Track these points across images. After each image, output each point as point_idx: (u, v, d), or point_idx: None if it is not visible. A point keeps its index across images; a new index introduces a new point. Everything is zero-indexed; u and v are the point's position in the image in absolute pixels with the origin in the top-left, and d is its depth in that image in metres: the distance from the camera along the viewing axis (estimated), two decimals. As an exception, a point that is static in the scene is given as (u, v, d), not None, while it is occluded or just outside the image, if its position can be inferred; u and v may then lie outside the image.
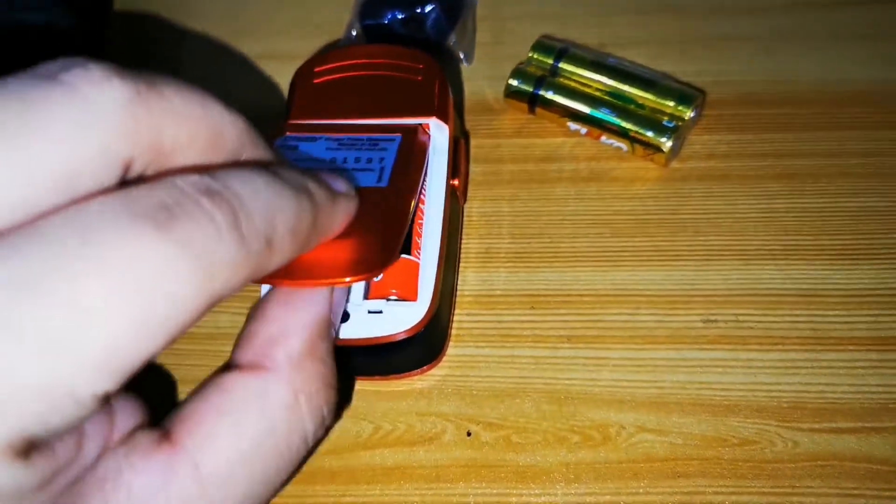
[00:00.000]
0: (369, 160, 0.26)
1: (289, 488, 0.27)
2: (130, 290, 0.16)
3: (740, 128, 0.34)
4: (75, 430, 0.17)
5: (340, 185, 0.22)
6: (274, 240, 0.18)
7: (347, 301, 0.26)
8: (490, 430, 0.28)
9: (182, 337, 0.17)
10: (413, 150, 0.27)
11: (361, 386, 0.29)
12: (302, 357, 0.22)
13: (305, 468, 0.28)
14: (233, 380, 0.21)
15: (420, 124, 0.28)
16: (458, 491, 0.27)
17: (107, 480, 0.18)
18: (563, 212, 0.33)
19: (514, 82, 0.35)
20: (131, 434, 0.19)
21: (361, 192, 0.24)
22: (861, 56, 0.36)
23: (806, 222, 0.31)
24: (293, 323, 0.22)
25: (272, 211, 0.18)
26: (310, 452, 0.21)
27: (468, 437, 0.28)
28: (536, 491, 0.27)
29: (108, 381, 0.16)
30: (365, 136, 0.27)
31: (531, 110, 0.35)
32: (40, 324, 0.15)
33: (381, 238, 0.24)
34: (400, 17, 0.36)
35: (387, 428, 0.28)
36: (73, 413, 0.16)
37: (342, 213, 0.22)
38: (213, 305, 0.17)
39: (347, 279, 0.22)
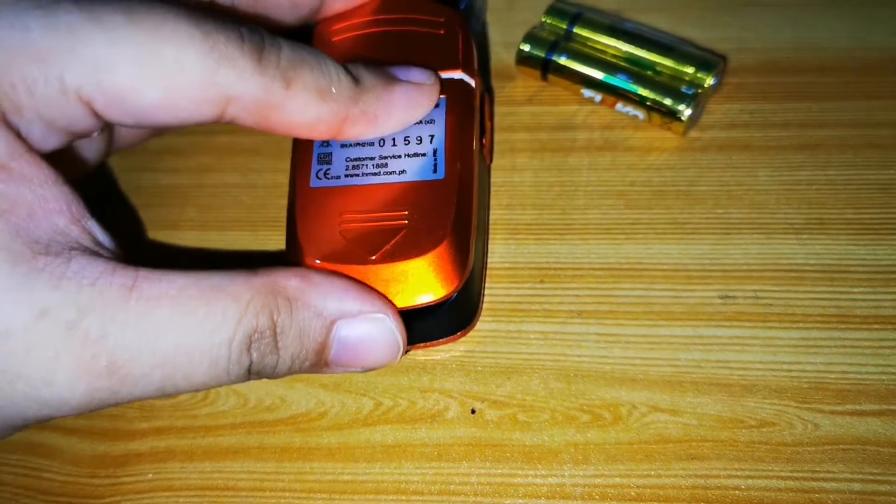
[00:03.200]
0: (419, 139, 0.26)
1: (285, 465, 0.26)
2: None
3: (763, 96, 0.33)
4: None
5: (416, 75, 0.26)
6: (294, 81, 0.22)
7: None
8: (495, 408, 0.27)
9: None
10: (461, 116, 0.26)
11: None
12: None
13: (302, 444, 0.27)
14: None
15: (461, 79, 0.27)
16: (461, 470, 0.26)
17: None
18: (576, 182, 0.31)
19: (526, 47, 0.33)
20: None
21: (420, 189, 0.25)
22: (891, 22, 0.35)
23: (830, 195, 0.30)
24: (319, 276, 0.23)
25: (301, 62, 0.23)
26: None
27: (472, 415, 0.27)
28: (543, 472, 0.25)
29: None
30: None
31: (544, 77, 0.33)
32: None
33: (448, 259, 0.24)
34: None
35: (387, 404, 0.27)
36: None
37: (402, 100, 0.25)
38: (215, 98, 0.22)
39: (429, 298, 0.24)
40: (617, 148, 0.32)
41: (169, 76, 0.21)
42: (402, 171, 0.25)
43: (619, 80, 0.31)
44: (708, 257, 0.29)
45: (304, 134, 0.24)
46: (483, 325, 0.28)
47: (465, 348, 0.28)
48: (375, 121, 0.25)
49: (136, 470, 0.27)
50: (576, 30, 0.33)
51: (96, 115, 0.22)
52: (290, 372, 0.22)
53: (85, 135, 0.23)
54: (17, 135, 0.21)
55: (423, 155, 0.25)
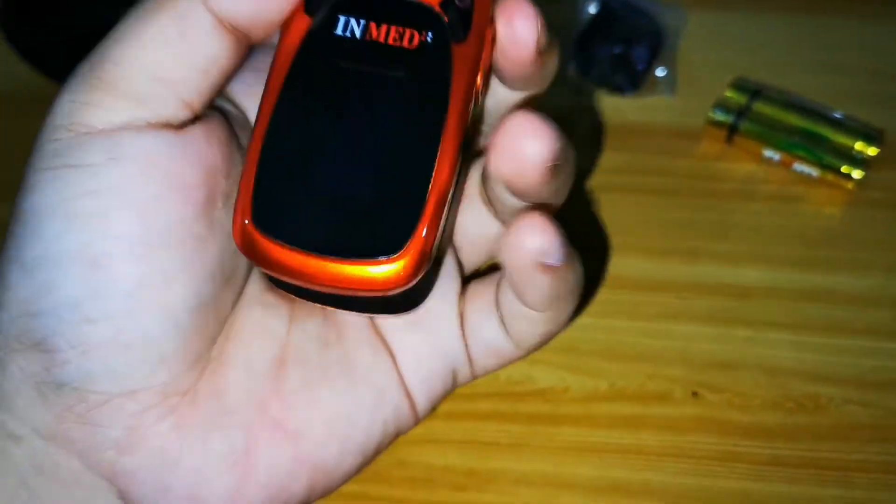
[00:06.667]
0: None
1: (537, 428, 0.32)
2: None
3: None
4: None
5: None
6: None
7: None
8: (713, 393, 0.32)
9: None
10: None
11: (591, 347, 0.34)
12: None
13: (550, 413, 0.32)
14: None
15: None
16: (690, 439, 0.31)
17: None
18: (759, 224, 0.38)
19: (718, 115, 0.40)
20: None
21: None
22: None
23: None
24: None
25: None
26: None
27: (694, 397, 0.32)
28: (760, 444, 0.31)
29: None
30: None
31: (729, 139, 0.40)
32: None
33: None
34: (616, 52, 0.41)
35: (620, 385, 0.33)
36: None
37: None
38: None
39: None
40: (796, 200, 0.38)
41: None
42: None
43: (797, 144, 0.38)
44: (880, 287, 0.35)
45: None
46: (696, 327, 0.34)
47: (680, 345, 0.34)
48: None
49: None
50: (757, 104, 0.40)
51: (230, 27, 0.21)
52: None
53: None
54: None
55: None
